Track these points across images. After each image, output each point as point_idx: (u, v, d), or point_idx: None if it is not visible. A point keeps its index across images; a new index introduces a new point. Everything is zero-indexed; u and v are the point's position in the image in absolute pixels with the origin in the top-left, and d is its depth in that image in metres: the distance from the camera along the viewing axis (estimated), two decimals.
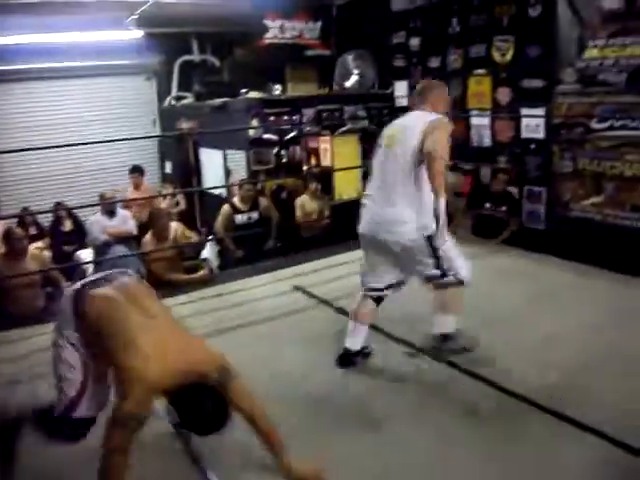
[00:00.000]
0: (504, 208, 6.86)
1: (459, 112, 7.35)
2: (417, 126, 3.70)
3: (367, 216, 3.96)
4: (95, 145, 8.58)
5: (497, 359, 4.08)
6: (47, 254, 6.98)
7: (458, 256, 3.79)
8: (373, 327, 4.49)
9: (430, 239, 3.61)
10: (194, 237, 6.86)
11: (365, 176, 8.46)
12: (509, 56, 6.84)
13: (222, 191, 8.22)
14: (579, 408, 3.39)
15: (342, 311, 4.99)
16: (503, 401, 3.59)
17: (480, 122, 7.30)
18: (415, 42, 8.06)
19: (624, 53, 5.71)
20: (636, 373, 3.78)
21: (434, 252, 3.66)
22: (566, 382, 3.73)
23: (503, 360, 4.05)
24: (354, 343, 4.06)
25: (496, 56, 6.97)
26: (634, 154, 5.58)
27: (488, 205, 6.96)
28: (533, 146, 6.68)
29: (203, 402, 2.49)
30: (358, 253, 6.60)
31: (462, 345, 4.15)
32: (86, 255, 7.35)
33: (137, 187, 8.74)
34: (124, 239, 7.16)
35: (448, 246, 3.68)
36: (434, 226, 3.53)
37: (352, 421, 3.43)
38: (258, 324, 4.89)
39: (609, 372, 3.84)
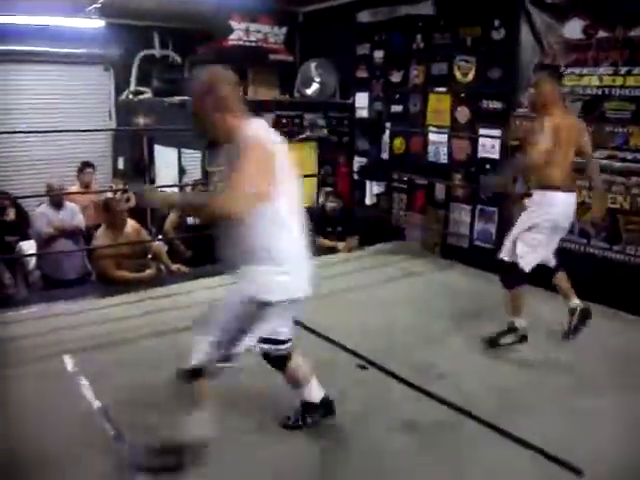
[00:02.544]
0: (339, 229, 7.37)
1: (418, 128, 7.44)
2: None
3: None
4: (46, 134, 8.45)
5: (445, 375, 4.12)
6: None
7: None
8: (322, 337, 4.50)
9: None
10: (146, 236, 6.72)
11: (321, 185, 8.52)
12: (470, 76, 6.91)
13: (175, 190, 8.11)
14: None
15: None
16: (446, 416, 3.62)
17: (438, 139, 7.35)
18: (378, 55, 8.09)
19: (580, 82, 5.82)
20: None
21: None
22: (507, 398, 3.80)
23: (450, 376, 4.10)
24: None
25: (457, 75, 7.04)
26: (583, 179, 5.65)
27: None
28: (488, 166, 6.74)
29: None
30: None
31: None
32: (29, 247, 7.16)
33: (87, 186, 8.30)
34: (71, 233, 6.99)
35: None
36: None
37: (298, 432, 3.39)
38: None
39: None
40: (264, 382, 3.62)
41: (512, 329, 4.48)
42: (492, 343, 4.51)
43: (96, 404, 3.67)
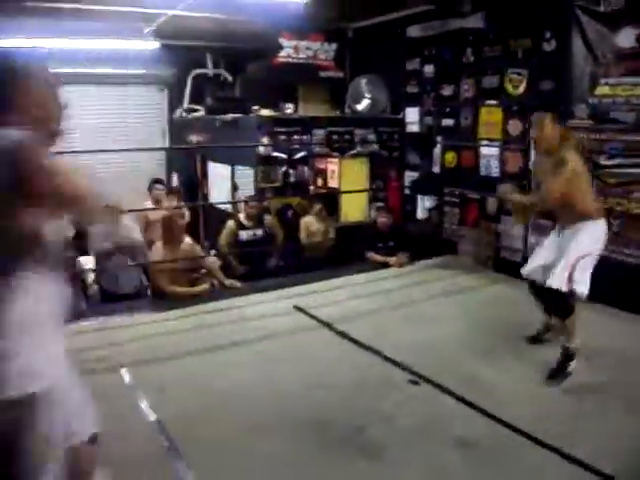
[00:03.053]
0: (391, 244, 7.34)
1: (469, 141, 7.45)
2: None
3: None
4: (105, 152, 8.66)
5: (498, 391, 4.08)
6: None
7: None
8: (376, 352, 4.51)
9: None
10: (201, 252, 6.83)
11: (372, 200, 8.54)
12: (522, 88, 6.86)
13: (228, 206, 8.21)
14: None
15: (342, 334, 5.00)
16: (500, 434, 3.58)
17: (489, 152, 7.31)
18: (429, 69, 8.10)
19: (635, 92, 5.73)
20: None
21: None
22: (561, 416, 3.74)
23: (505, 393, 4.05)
24: None
25: (509, 88, 6.99)
26: None
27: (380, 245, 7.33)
28: None
29: None
30: (360, 277, 6.70)
31: None
32: (87, 261, 7.33)
33: (157, 202, 8.12)
34: (128, 249, 7.14)
35: None
36: None
37: (347, 447, 3.41)
38: (257, 342, 4.88)
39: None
40: None
41: (572, 355, 4.35)
42: (557, 374, 4.37)
43: (152, 417, 3.72)
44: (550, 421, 3.68)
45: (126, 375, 4.33)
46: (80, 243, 7.70)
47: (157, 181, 8.48)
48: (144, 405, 3.88)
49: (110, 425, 3.56)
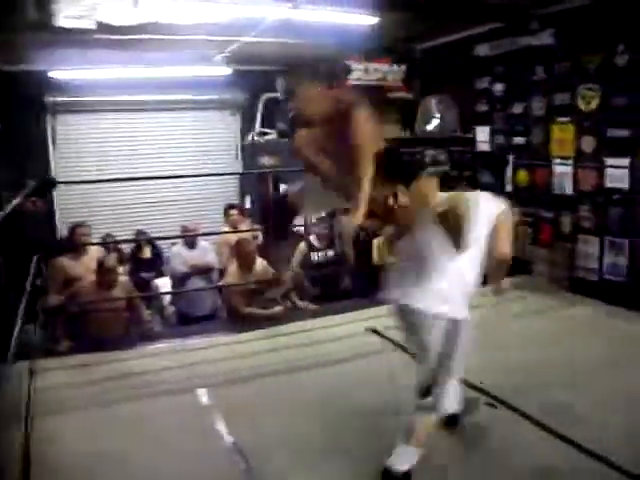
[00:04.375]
0: None
1: (542, 159, 7.38)
2: None
3: None
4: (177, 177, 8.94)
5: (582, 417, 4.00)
6: (127, 280, 7.17)
7: None
8: None
9: None
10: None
11: None
12: (594, 105, 6.75)
13: (299, 228, 8.29)
14: None
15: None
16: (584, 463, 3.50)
17: (563, 170, 7.20)
18: (499, 87, 8.06)
19: None
20: None
21: None
22: None
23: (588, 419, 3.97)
24: None
25: (581, 104, 6.89)
26: None
27: None
28: (617, 196, 6.54)
29: None
30: None
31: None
32: (162, 283, 7.55)
33: (234, 226, 8.32)
34: (203, 271, 7.32)
35: None
36: None
37: (415, 474, 3.40)
38: (331, 365, 4.92)
39: None
40: None
41: None
42: None
43: (229, 439, 3.80)
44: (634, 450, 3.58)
45: (203, 396, 4.43)
46: (157, 266, 7.96)
47: (231, 206, 8.68)
48: (220, 426, 3.96)
49: (187, 445, 3.70)
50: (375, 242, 7.61)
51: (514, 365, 4.83)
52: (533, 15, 7.17)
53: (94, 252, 6.70)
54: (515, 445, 3.69)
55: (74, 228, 7.02)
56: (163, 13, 6.24)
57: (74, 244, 6.79)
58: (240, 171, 10.36)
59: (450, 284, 3.18)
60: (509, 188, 7.97)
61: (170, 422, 4.03)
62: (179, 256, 7.39)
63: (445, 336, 3.26)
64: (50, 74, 8.29)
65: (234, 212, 8.47)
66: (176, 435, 3.85)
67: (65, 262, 6.46)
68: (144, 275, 7.84)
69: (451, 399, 3.48)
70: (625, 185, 6.44)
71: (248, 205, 10.03)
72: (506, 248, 3.17)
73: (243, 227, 8.31)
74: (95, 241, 7.53)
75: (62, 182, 8.48)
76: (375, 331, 5.66)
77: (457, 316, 3.24)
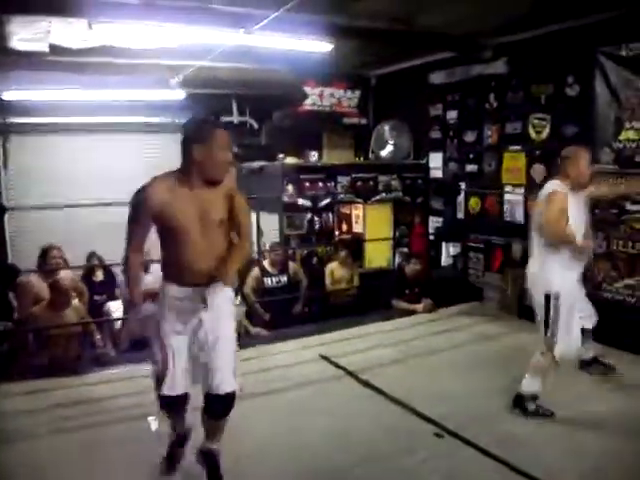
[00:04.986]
0: (417, 291, 7.31)
1: (493, 187, 7.49)
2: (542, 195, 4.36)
3: None
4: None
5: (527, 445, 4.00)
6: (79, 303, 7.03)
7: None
8: (400, 403, 4.49)
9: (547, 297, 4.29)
10: None
11: (396, 245, 8.54)
12: (545, 134, 6.87)
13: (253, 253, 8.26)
14: None
15: (367, 384, 4.97)
16: None
17: (514, 198, 7.30)
18: (452, 115, 8.16)
19: None
20: None
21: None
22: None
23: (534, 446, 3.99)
24: None
25: (532, 133, 7.00)
26: None
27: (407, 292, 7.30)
28: None
29: None
30: (385, 324, 6.67)
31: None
32: (116, 307, 7.39)
33: None
34: (156, 295, 7.18)
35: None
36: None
37: None
38: (282, 392, 4.87)
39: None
40: None
41: None
42: None
43: (180, 468, 3.70)
44: (582, 474, 3.61)
45: (153, 423, 4.32)
46: (109, 289, 7.80)
47: None
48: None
49: (138, 475, 3.61)
50: (327, 268, 7.62)
51: (460, 393, 4.84)
52: (486, 45, 7.27)
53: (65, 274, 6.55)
54: (462, 474, 3.69)
55: (46, 250, 6.86)
56: (117, 37, 6.19)
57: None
58: None
59: None
60: (461, 215, 8.05)
61: (122, 450, 3.92)
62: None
63: None
64: (3, 95, 8.14)
65: None
66: (128, 464, 3.75)
67: (34, 282, 6.28)
68: (97, 298, 7.68)
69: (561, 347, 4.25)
70: None
71: None
72: None
73: None
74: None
75: (11, 208, 8.29)
76: (326, 358, 5.62)
77: None
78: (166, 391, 3.24)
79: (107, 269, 8.06)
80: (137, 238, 3.18)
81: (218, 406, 3.30)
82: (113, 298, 7.61)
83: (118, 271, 7.81)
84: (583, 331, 4.50)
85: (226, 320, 3.29)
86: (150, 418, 4.37)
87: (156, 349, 3.26)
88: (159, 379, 3.26)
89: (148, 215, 3.06)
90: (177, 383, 3.25)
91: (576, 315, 4.38)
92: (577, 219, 4.33)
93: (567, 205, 4.23)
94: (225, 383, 3.23)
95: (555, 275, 4.29)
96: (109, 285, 7.90)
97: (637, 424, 4.24)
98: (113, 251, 8.69)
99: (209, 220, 3.16)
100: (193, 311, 3.16)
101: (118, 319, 6.99)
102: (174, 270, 3.19)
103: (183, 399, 3.37)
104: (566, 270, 4.33)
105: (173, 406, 3.41)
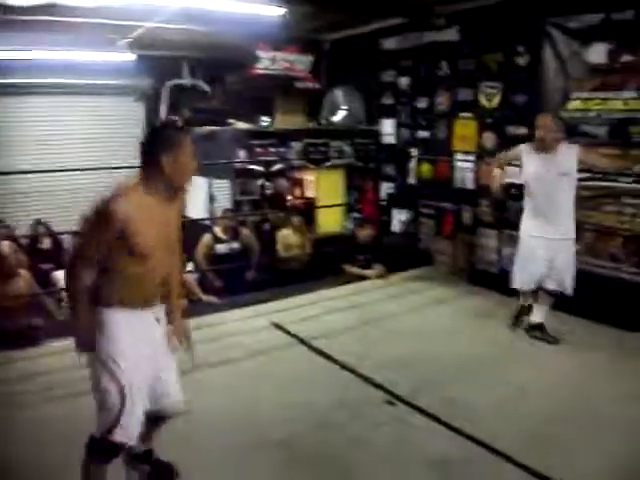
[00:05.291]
0: (369, 256, 7.44)
1: (445, 154, 7.57)
2: None
3: None
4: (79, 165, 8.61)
5: (472, 409, 4.11)
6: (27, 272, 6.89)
7: None
8: (353, 371, 4.55)
9: None
10: None
11: (349, 211, 8.58)
12: (495, 102, 6.93)
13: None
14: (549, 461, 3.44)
15: (319, 351, 5.03)
16: (475, 453, 3.61)
17: (464, 165, 7.38)
18: (404, 81, 8.16)
19: (606, 107, 5.83)
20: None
21: None
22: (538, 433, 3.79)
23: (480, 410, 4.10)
24: None
25: (483, 101, 7.06)
26: (613, 205, 5.69)
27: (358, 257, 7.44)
28: (515, 191, 6.73)
29: None
30: (337, 290, 6.73)
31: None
32: (62, 276, 7.28)
33: None
34: None
35: None
36: None
37: (319, 469, 3.45)
38: (235, 361, 4.88)
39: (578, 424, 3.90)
40: None
41: None
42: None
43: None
44: (528, 439, 3.73)
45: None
46: (56, 257, 7.68)
47: None
48: None
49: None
50: (280, 234, 7.62)
51: (412, 359, 4.93)
52: (439, 12, 7.27)
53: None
54: (412, 440, 3.76)
55: None
56: None
57: None
58: None
59: None
60: (412, 181, 8.11)
61: (74, 425, 3.89)
62: None
63: None
64: None
65: None
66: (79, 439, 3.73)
67: None
68: (43, 266, 7.56)
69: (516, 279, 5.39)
70: (522, 181, 6.63)
71: None
72: None
73: None
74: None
75: None
76: (279, 325, 5.65)
77: None
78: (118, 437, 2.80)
79: (54, 237, 7.94)
80: (91, 251, 2.74)
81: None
82: (61, 267, 7.48)
83: (66, 238, 7.73)
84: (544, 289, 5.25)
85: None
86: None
87: (105, 383, 2.78)
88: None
89: (114, 229, 2.67)
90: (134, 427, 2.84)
91: (538, 260, 5.15)
92: (539, 175, 5.12)
93: (519, 158, 5.38)
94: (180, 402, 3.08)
95: (523, 219, 5.38)
96: (56, 253, 7.78)
97: (580, 388, 4.39)
98: (61, 218, 8.71)
99: (171, 236, 2.96)
100: (145, 333, 2.88)
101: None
102: (125, 291, 2.80)
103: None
104: (528, 218, 5.32)
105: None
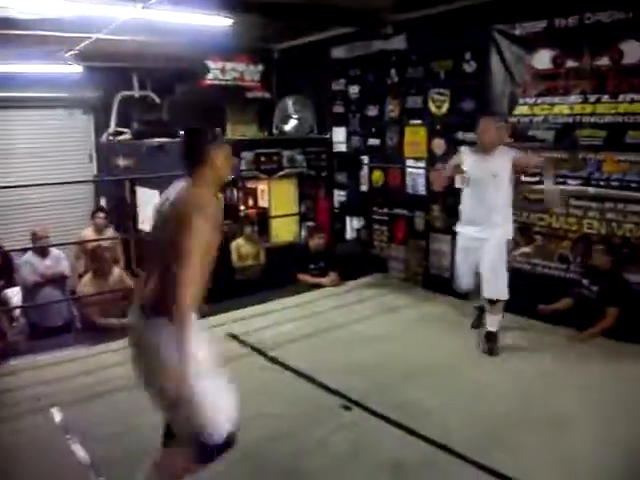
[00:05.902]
0: (322, 264, 7.41)
1: (396, 160, 7.64)
2: None
3: None
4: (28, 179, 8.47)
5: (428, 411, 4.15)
6: None
7: None
8: (309, 378, 4.55)
9: None
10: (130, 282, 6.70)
11: (302, 220, 8.58)
12: (445, 108, 7.02)
13: None
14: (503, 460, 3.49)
15: (275, 361, 5.02)
16: (430, 454, 3.65)
17: (415, 171, 7.45)
18: (354, 90, 8.21)
19: (552, 111, 5.95)
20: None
21: None
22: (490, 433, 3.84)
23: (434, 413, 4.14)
24: None
25: (432, 108, 7.14)
26: (561, 207, 5.79)
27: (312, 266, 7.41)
28: None
29: None
30: (292, 299, 6.72)
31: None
32: (14, 293, 7.15)
33: (100, 230, 8.07)
34: (56, 280, 7.00)
35: None
36: None
37: (280, 476, 3.48)
38: None
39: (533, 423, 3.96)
40: None
41: None
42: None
43: (86, 458, 3.66)
44: (480, 439, 3.78)
45: (57, 415, 4.25)
46: (7, 274, 7.52)
47: (100, 209, 8.43)
48: (75, 446, 3.81)
49: (41, 468, 3.54)
50: (233, 244, 7.58)
51: (367, 365, 4.95)
52: (386, 21, 7.34)
53: None
54: (367, 443, 3.79)
55: None
56: (6, 6, 5.91)
57: None
58: (94, 172, 9.99)
59: None
60: (365, 188, 8.16)
61: (24, 445, 3.83)
62: (29, 265, 6.94)
63: None
64: None
65: (101, 215, 8.25)
66: (30, 459, 3.67)
67: None
68: None
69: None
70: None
71: (103, 204, 9.69)
72: None
73: (107, 233, 8.11)
74: None
75: None
76: (234, 336, 5.63)
77: None
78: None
79: (3, 253, 7.76)
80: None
81: None
82: (11, 284, 7.32)
83: (15, 255, 7.57)
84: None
85: None
86: (53, 409, 4.30)
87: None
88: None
89: (215, 232, 2.61)
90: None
91: (469, 262, 5.31)
92: (472, 176, 5.27)
93: (459, 160, 5.48)
94: None
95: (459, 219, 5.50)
96: (5, 271, 7.59)
97: (534, 390, 4.46)
98: (9, 234, 8.55)
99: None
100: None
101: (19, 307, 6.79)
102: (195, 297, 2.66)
103: None
104: (461, 217, 5.47)
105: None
